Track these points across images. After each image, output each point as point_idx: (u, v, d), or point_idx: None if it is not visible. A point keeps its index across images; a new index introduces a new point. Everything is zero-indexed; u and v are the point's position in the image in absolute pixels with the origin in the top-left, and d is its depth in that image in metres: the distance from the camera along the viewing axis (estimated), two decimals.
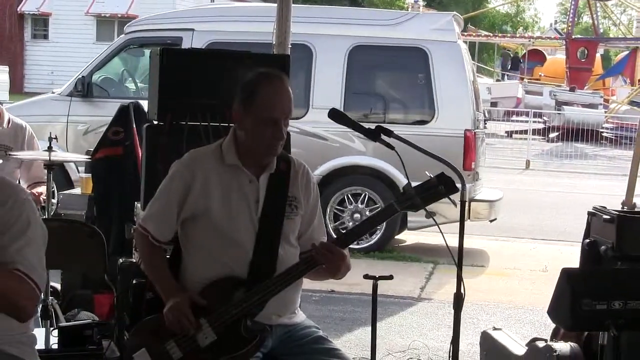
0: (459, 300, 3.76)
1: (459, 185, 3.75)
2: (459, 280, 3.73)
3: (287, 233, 3.90)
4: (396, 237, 10.93)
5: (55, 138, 5.60)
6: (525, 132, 26.28)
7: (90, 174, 6.91)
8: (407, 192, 3.70)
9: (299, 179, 3.97)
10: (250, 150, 3.84)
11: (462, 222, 3.79)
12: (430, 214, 3.83)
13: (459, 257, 3.73)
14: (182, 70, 4.81)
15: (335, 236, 3.98)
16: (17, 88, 29.04)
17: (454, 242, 3.81)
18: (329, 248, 3.74)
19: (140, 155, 6.28)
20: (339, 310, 7.67)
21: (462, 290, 3.76)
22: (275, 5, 7.42)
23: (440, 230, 3.85)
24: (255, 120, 3.76)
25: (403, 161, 3.84)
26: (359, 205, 10.39)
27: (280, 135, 3.78)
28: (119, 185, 6.44)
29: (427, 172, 3.75)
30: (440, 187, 3.69)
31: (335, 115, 3.98)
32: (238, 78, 4.25)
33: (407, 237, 11.41)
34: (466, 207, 7.99)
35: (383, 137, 3.91)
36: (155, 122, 4.78)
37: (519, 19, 64.50)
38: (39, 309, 5.05)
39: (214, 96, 4.76)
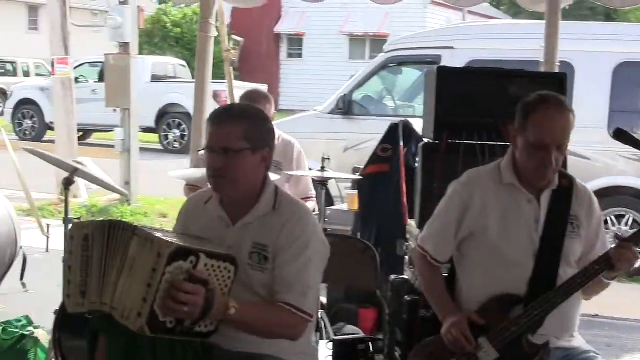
0: None
1: None
2: None
3: (567, 253, 3.82)
4: None
5: (328, 158, 5.74)
6: None
7: (356, 190, 7.03)
8: None
9: (580, 198, 3.90)
10: (525, 171, 3.80)
11: None
12: None
13: None
14: (458, 88, 4.81)
15: None
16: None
17: None
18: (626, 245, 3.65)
19: (403, 173, 6.33)
20: (604, 335, 7.39)
21: None
22: (538, 22, 7.32)
23: None
24: (527, 143, 3.71)
25: None
26: (622, 227, 10.02)
27: (549, 163, 3.69)
28: (383, 202, 6.51)
29: None
30: None
31: (620, 134, 3.87)
32: (514, 97, 4.22)
33: None
34: None
35: None
36: (431, 141, 4.81)
37: None
38: None
39: (489, 115, 4.73)
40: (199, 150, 4.68)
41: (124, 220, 3.48)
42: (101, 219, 3.51)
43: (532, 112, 3.71)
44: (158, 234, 3.30)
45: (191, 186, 5.53)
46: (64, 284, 3.49)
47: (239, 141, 3.46)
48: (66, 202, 5.27)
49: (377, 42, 32.32)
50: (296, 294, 3.41)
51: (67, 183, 5.23)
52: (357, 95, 11.38)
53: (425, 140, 4.93)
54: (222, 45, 8.05)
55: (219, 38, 7.93)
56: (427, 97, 4.97)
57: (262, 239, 3.49)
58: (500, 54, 10.10)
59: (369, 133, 10.09)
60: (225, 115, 3.59)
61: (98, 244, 3.37)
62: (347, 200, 7.28)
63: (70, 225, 3.61)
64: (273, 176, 5.31)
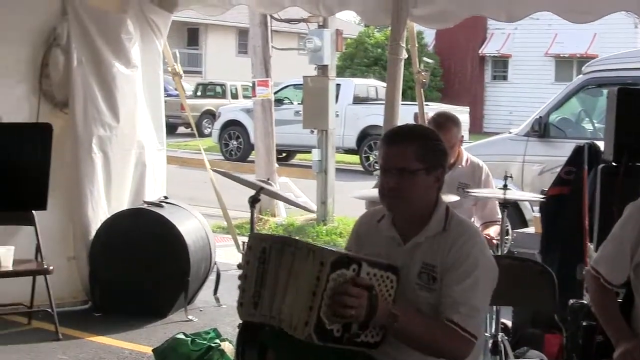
0: None
1: None
2: None
3: None
4: None
5: (511, 176, 5.68)
6: None
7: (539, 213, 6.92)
8: None
9: None
10: None
11: None
12: None
13: None
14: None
15: None
16: (476, 128, 29.88)
17: None
18: None
19: (585, 196, 6.20)
20: None
21: None
22: None
23: None
24: None
25: None
26: None
27: None
28: (563, 225, 6.38)
29: None
30: None
31: None
32: None
33: None
34: None
35: None
36: (611, 163, 4.72)
37: None
38: (490, 344, 5.15)
39: None
40: (374, 171, 4.74)
41: (296, 238, 3.58)
42: (279, 234, 3.63)
43: None
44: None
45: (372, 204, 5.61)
46: (239, 292, 3.60)
47: (414, 162, 3.50)
48: (252, 219, 5.49)
49: (584, 63, 31.56)
50: (461, 314, 3.38)
51: (253, 201, 5.47)
52: (553, 118, 11.16)
53: (606, 162, 4.85)
54: (412, 67, 8.07)
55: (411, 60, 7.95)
56: (608, 118, 4.89)
57: (431, 259, 3.50)
58: None
59: (564, 156, 9.87)
60: (399, 136, 3.63)
61: (274, 259, 3.49)
62: (534, 223, 7.19)
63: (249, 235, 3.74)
64: (454, 197, 5.35)
